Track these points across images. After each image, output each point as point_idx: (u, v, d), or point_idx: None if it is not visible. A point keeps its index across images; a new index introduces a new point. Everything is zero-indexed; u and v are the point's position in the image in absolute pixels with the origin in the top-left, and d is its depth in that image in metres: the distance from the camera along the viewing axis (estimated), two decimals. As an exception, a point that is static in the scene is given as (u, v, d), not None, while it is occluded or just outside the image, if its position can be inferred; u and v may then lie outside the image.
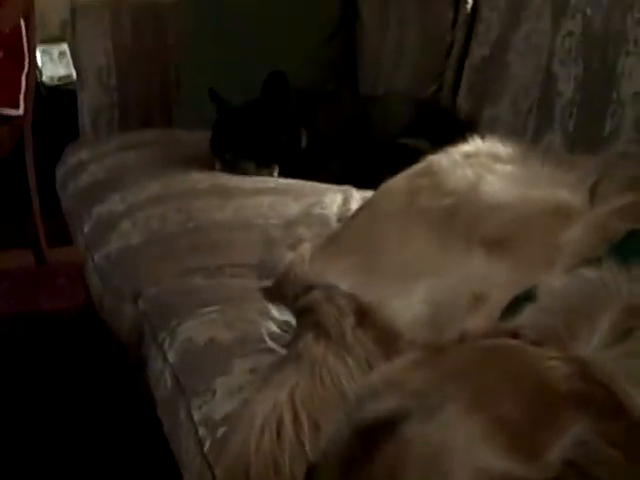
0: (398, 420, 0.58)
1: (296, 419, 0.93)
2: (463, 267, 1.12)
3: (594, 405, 0.58)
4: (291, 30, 2.25)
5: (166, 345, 1.23)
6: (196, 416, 1.06)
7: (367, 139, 1.88)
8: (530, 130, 1.71)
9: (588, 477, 0.54)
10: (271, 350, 1.11)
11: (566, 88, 1.60)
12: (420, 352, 0.65)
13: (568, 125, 1.59)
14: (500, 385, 0.59)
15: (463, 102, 2.00)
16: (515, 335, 0.70)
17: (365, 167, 1.81)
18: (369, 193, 1.41)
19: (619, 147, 1.43)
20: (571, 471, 0.55)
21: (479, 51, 1.97)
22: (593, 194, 1.11)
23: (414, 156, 1.34)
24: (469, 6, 2.01)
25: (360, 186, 1.69)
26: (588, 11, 1.56)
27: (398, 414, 0.59)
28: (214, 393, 1.06)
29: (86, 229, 1.76)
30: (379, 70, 2.26)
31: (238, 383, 1.06)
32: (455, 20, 2.05)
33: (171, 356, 1.20)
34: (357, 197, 1.63)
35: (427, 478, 0.56)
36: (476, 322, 0.97)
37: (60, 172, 2.17)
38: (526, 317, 0.75)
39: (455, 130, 1.55)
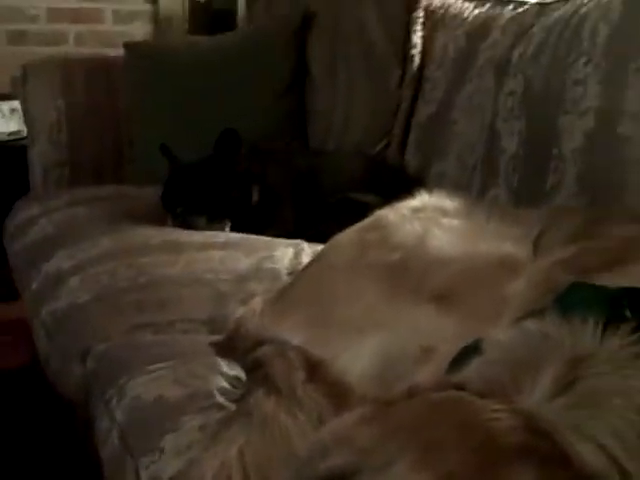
0: (348, 477, 0.58)
1: (245, 477, 0.92)
2: (412, 321, 1.13)
3: (539, 456, 0.59)
4: (243, 87, 2.28)
5: (113, 403, 1.21)
6: (144, 476, 1.04)
7: (317, 194, 1.91)
8: (476, 185, 1.75)
9: None
10: (221, 406, 1.10)
11: (509, 144, 1.65)
12: (369, 407, 0.66)
13: (512, 180, 1.63)
14: (447, 439, 0.60)
15: (411, 158, 2.04)
16: (462, 388, 0.71)
17: (315, 221, 1.82)
18: (320, 247, 1.42)
19: (561, 201, 1.47)
20: None
21: (426, 109, 2.01)
22: (537, 246, 1.14)
23: (363, 211, 1.36)
24: (416, 65, 2.06)
25: (311, 240, 1.70)
26: (529, 71, 1.62)
27: (348, 471, 0.59)
28: (162, 451, 1.04)
29: (34, 285, 1.74)
30: (329, 126, 2.30)
31: (187, 441, 1.04)
32: (402, 79, 2.09)
33: (118, 414, 1.18)
34: (308, 251, 1.65)
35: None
36: (424, 375, 0.98)
37: (9, 227, 2.15)
38: (472, 370, 0.76)
39: (403, 185, 1.58)
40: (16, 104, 2.90)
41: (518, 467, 0.58)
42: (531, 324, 0.76)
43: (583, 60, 1.48)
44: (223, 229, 1.86)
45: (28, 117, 2.40)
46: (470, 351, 0.82)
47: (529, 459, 0.59)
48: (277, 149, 2.11)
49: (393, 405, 0.65)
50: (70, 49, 3.15)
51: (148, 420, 1.12)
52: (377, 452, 0.59)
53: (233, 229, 1.86)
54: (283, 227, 1.86)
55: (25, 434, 2.07)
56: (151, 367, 1.23)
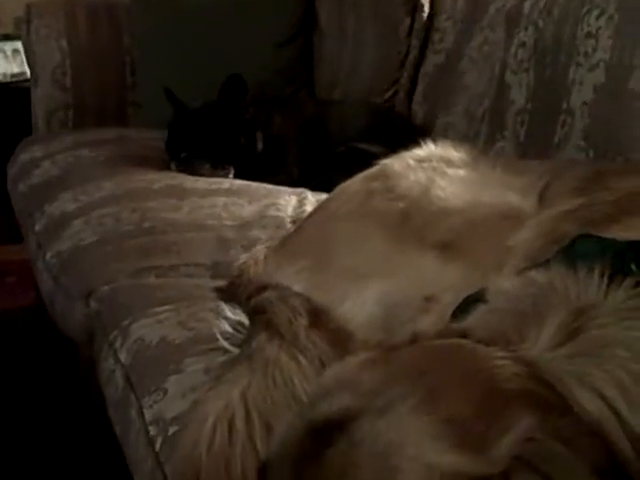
0: (349, 420, 0.59)
1: (248, 419, 0.93)
2: (415, 269, 1.14)
3: (541, 403, 0.60)
4: (249, 33, 2.25)
5: (117, 344, 1.22)
6: (147, 415, 1.06)
7: (323, 143, 1.90)
8: (482, 137, 1.74)
9: (535, 471, 0.56)
10: (224, 350, 1.11)
11: (518, 97, 1.63)
12: (372, 352, 0.66)
13: (519, 133, 1.62)
14: (450, 384, 0.61)
15: (418, 108, 2.02)
16: (465, 336, 0.71)
17: (320, 171, 1.82)
18: (324, 196, 1.42)
19: (568, 155, 1.47)
20: (519, 465, 0.56)
21: (434, 59, 1.99)
22: (542, 198, 1.14)
23: (369, 160, 1.35)
24: (425, 15, 2.04)
25: (315, 189, 1.70)
26: (540, 23, 1.60)
27: (349, 414, 0.60)
28: (165, 392, 1.06)
29: (38, 227, 1.74)
30: (336, 75, 2.28)
31: (190, 382, 1.06)
32: (411, 28, 2.07)
33: (122, 355, 1.20)
34: (312, 200, 1.64)
35: (377, 476, 0.57)
36: (427, 323, 0.99)
37: (12, 170, 2.14)
38: (476, 318, 0.76)
39: (410, 136, 1.57)
40: (19, 45, 2.87)
41: (520, 412, 0.59)
42: (536, 274, 0.77)
43: (596, 13, 1.46)
44: (227, 176, 1.86)
45: (31, 58, 2.37)
46: (474, 300, 0.82)
47: (531, 405, 0.60)
48: (283, 97, 2.10)
49: (396, 350, 0.66)
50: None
51: (152, 361, 1.14)
52: (379, 396, 0.60)
53: (237, 176, 1.86)
54: (287, 175, 1.85)
55: (29, 373, 2.10)
56: (155, 309, 1.24)
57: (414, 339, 0.68)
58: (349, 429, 0.58)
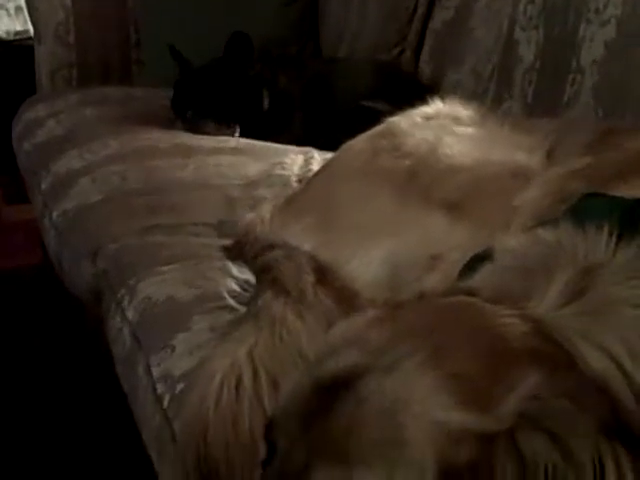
0: (356, 377, 0.59)
1: (255, 376, 0.94)
2: (421, 228, 1.14)
3: (547, 361, 0.60)
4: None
5: (125, 302, 1.23)
6: (155, 372, 1.06)
7: (329, 101, 1.88)
8: (490, 95, 1.72)
9: (540, 428, 0.56)
10: (231, 308, 1.11)
11: (527, 54, 1.61)
12: (379, 310, 0.66)
13: (527, 92, 1.60)
14: (457, 342, 0.61)
15: (425, 66, 2.00)
16: (472, 294, 0.71)
17: (326, 129, 1.80)
18: (330, 155, 1.41)
19: (577, 114, 1.45)
20: (524, 422, 0.56)
21: (442, 15, 1.96)
22: (550, 156, 1.13)
23: (375, 119, 1.34)
24: (433, -31, 2.00)
25: (321, 148, 1.69)
26: (550, -22, 1.57)
27: (356, 371, 0.60)
28: (173, 350, 1.07)
29: (43, 186, 1.74)
30: (342, 33, 2.25)
31: (197, 340, 1.06)
32: (419, -16, 2.04)
33: (130, 313, 1.20)
34: (318, 159, 1.64)
35: (382, 433, 0.57)
36: (433, 282, 0.99)
37: (17, 128, 2.13)
38: (483, 276, 0.76)
39: (417, 93, 1.55)
40: (21, 2, 2.84)
41: (527, 370, 0.59)
42: (544, 232, 0.76)
43: (607, -33, 1.43)
44: (233, 134, 1.84)
45: (34, 15, 2.35)
46: (480, 258, 0.82)
47: (536, 363, 0.60)
48: (289, 55, 2.08)
49: (403, 308, 0.66)
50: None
51: (159, 319, 1.14)
52: (386, 354, 0.60)
53: (243, 135, 1.85)
54: (293, 134, 1.84)
55: (37, 332, 2.11)
56: (162, 268, 1.24)
57: (421, 297, 0.68)
58: (356, 386, 0.59)
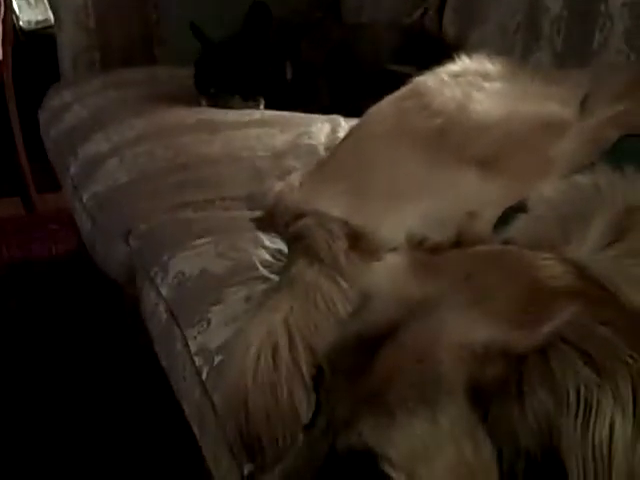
0: (395, 327, 0.59)
1: (291, 343, 0.93)
2: (455, 186, 1.11)
3: (588, 296, 0.58)
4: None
5: (159, 279, 1.23)
6: (192, 346, 1.06)
7: (353, 67, 1.85)
8: (517, 50, 1.68)
9: (574, 348, 0.54)
10: (264, 278, 1.10)
11: (553, 4, 1.57)
12: (415, 253, 0.65)
13: (556, 42, 1.56)
14: (495, 283, 0.60)
15: (449, 26, 1.96)
16: (507, 243, 0.69)
17: (352, 95, 1.78)
18: (356, 122, 1.39)
19: (608, 60, 1.41)
20: (557, 342, 0.55)
21: (463, -27, 1.92)
22: (584, 106, 1.10)
23: (401, 82, 1.32)
24: None
25: (347, 115, 1.67)
26: None
27: (395, 321, 0.59)
28: (209, 323, 1.06)
29: (72, 170, 1.74)
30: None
31: (232, 312, 1.06)
32: (438, -58, 2.00)
33: (164, 290, 1.20)
34: (345, 126, 1.61)
35: (421, 375, 0.56)
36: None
37: (43, 116, 2.14)
38: (518, 227, 0.74)
39: (442, 54, 1.52)
40: (41, -9, 2.85)
41: (565, 304, 0.57)
42: (580, 177, 0.74)
43: None
44: (258, 107, 1.83)
45: (54, 2, 2.34)
46: (515, 211, 0.80)
47: (577, 298, 0.58)
48: (309, 23, 2.05)
49: (439, 252, 0.64)
50: None
51: (193, 293, 1.14)
52: (423, 301, 0.59)
53: (268, 106, 1.83)
54: (319, 102, 1.82)
55: (76, 317, 2.13)
56: (193, 243, 1.23)
57: (458, 239, 0.66)
58: (395, 336, 0.58)
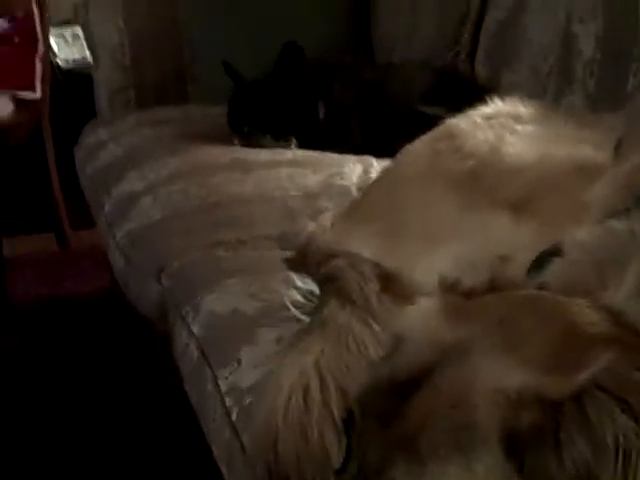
0: (428, 371, 0.58)
1: (323, 385, 0.93)
2: (487, 230, 1.11)
3: (624, 344, 0.58)
4: (305, 1, 2.23)
5: (190, 318, 1.23)
6: (223, 386, 1.06)
7: (385, 108, 1.86)
8: (550, 93, 1.68)
9: (614, 397, 0.53)
10: (295, 319, 1.10)
11: (586, 47, 1.57)
12: (447, 298, 0.65)
13: (589, 85, 1.56)
14: (529, 329, 0.59)
15: (481, 68, 1.97)
16: (542, 288, 0.69)
17: (384, 136, 1.79)
18: (389, 163, 1.40)
19: (643, 103, 1.41)
20: (593, 389, 0.54)
21: (495, 15, 1.93)
22: (618, 150, 1.09)
23: (433, 124, 1.33)
24: (484, -30, 1.98)
25: (379, 156, 1.67)
26: (607, -34, 1.53)
27: (428, 366, 0.59)
28: (240, 363, 1.06)
29: (107, 208, 1.76)
30: (395, 38, 2.24)
31: (263, 352, 1.06)
32: (471, -15, 2.01)
33: (196, 329, 1.20)
34: (377, 167, 1.62)
35: (454, 420, 0.56)
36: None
37: (79, 153, 2.17)
38: (552, 272, 0.74)
39: (474, 96, 1.53)
40: (78, 30, 2.91)
41: (600, 351, 0.56)
42: (615, 222, 0.74)
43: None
44: (290, 147, 1.84)
45: (91, 40, 2.39)
46: (549, 255, 0.80)
47: (613, 346, 0.57)
48: (342, 63, 2.07)
49: (473, 297, 0.64)
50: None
51: (225, 333, 1.14)
52: (457, 345, 0.59)
53: (300, 146, 1.84)
54: (351, 143, 1.83)
55: (107, 356, 2.14)
56: (226, 282, 1.24)
57: (491, 283, 0.66)
58: (428, 380, 0.58)
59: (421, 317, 0.64)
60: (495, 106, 1.29)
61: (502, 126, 1.23)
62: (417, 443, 0.56)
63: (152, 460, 1.73)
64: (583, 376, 0.55)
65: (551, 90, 1.69)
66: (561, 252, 0.77)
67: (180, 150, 1.83)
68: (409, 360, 0.60)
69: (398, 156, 1.32)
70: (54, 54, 3.04)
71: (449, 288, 0.67)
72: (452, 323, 0.61)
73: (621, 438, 0.52)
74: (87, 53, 2.61)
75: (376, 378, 0.62)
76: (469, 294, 0.65)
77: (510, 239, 1.07)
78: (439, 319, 0.62)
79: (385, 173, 1.33)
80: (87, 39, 2.42)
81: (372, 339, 0.98)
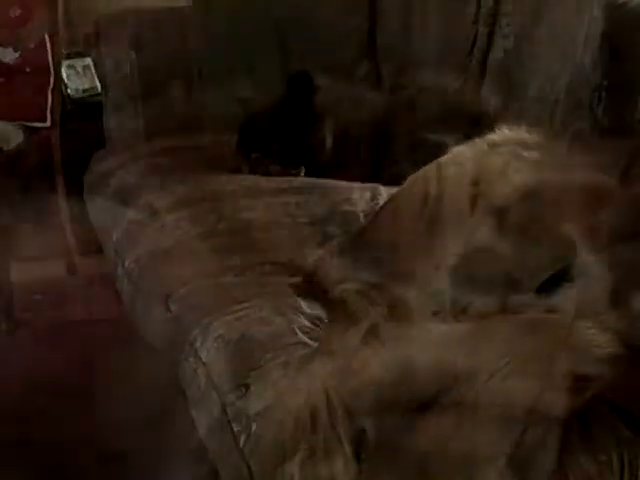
0: (439, 394, 0.58)
1: (330, 410, 0.92)
2: (492, 254, 1.11)
3: (631, 362, 0.57)
4: (312, 30, 2.25)
5: (198, 343, 1.23)
6: (230, 412, 1.06)
7: (393, 136, 1.87)
8: (558, 120, 1.69)
9: (618, 412, 0.53)
10: (303, 343, 1.10)
11: (593, 75, 1.58)
12: (461, 322, 0.65)
13: (597, 111, 1.57)
14: (538, 351, 0.59)
15: (489, 95, 1.98)
16: (551, 311, 0.69)
17: (391, 164, 1.80)
18: (396, 189, 1.40)
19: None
20: (601, 405, 0.54)
21: (503, 44, 1.95)
22: (625, 176, 1.10)
23: (441, 151, 1.33)
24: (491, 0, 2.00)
25: (387, 183, 1.68)
26: (612, -7, 1.55)
27: (440, 389, 0.59)
28: (247, 388, 1.06)
29: (115, 235, 1.77)
30: (403, 66, 2.25)
31: (271, 377, 1.05)
32: (477, 14, 2.03)
33: (203, 354, 1.20)
34: (384, 194, 1.63)
35: (463, 442, 0.55)
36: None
37: (87, 181, 2.18)
38: (561, 295, 0.74)
39: (481, 123, 1.54)
40: (88, 61, 2.93)
41: (607, 370, 0.56)
42: (622, 247, 0.74)
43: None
44: (298, 174, 1.85)
45: (101, 71, 2.41)
46: (559, 278, 0.80)
47: (619, 366, 0.57)
48: (350, 91, 2.08)
49: (482, 319, 0.64)
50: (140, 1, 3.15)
51: (233, 358, 1.14)
52: (466, 366, 0.59)
53: (308, 173, 1.85)
54: (359, 170, 1.84)
55: (115, 380, 2.13)
56: (233, 308, 1.24)
57: (501, 306, 0.66)
58: (437, 403, 0.57)
59: (431, 342, 0.64)
60: (502, 134, 1.30)
61: (509, 153, 1.24)
62: (426, 468, 0.56)
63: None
64: (587, 393, 0.55)
65: (559, 117, 1.70)
66: (569, 276, 0.77)
67: (189, 178, 1.84)
68: (418, 384, 0.60)
69: (405, 184, 1.32)
70: (65, 84, 3.06)
71: (459, 311, 0.67)
72: (460, 345, 0.61)
73: (625, 453, 0.52)
74: (97, 83, 2.64)
75: (385, 403, 0.62)
76: (479, 316, 0.65)
77: (517, 262, 1.07)
78: (447, 342, 0.62)
79: (391, 200, 1.34)
80: (97, 69, 2.44)
81: (379, 363, 0.97)
